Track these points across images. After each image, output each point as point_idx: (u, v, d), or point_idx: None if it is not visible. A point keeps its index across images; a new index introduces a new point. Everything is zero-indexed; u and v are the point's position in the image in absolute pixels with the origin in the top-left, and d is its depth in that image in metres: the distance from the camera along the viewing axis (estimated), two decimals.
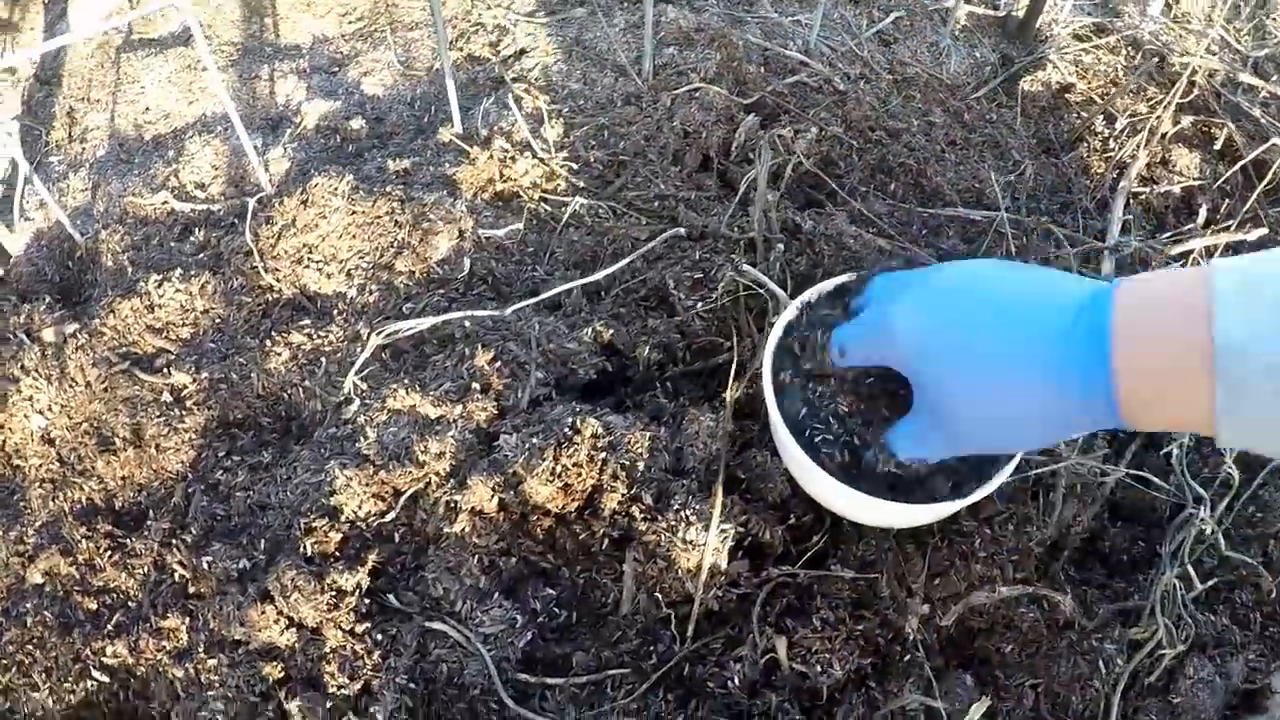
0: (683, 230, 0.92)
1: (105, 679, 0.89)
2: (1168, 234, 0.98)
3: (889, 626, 0.83)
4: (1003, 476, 0.73)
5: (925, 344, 0.57)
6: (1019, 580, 0.87)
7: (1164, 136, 1.03)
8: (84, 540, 0.93)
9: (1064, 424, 0.53)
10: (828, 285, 0.84)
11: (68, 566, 0.93)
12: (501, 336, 0.89)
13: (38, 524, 0.95)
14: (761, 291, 0.89)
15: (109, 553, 0.93)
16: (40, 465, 0.98)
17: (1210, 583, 0.90)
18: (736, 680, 0.77)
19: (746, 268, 0.88)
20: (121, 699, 0.90)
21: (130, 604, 0.91)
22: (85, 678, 0.89)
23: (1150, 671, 0.85)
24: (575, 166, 1.01)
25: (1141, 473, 0.91)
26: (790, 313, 0.81)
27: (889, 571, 0.85)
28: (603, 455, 0.81)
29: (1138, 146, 1.00)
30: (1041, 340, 0.51)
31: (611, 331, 0.89)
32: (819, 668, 0.77)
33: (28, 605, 0.93)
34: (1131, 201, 1.00)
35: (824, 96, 1.05)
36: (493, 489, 0.81)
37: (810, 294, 0.83)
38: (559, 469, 0.80)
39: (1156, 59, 1.10)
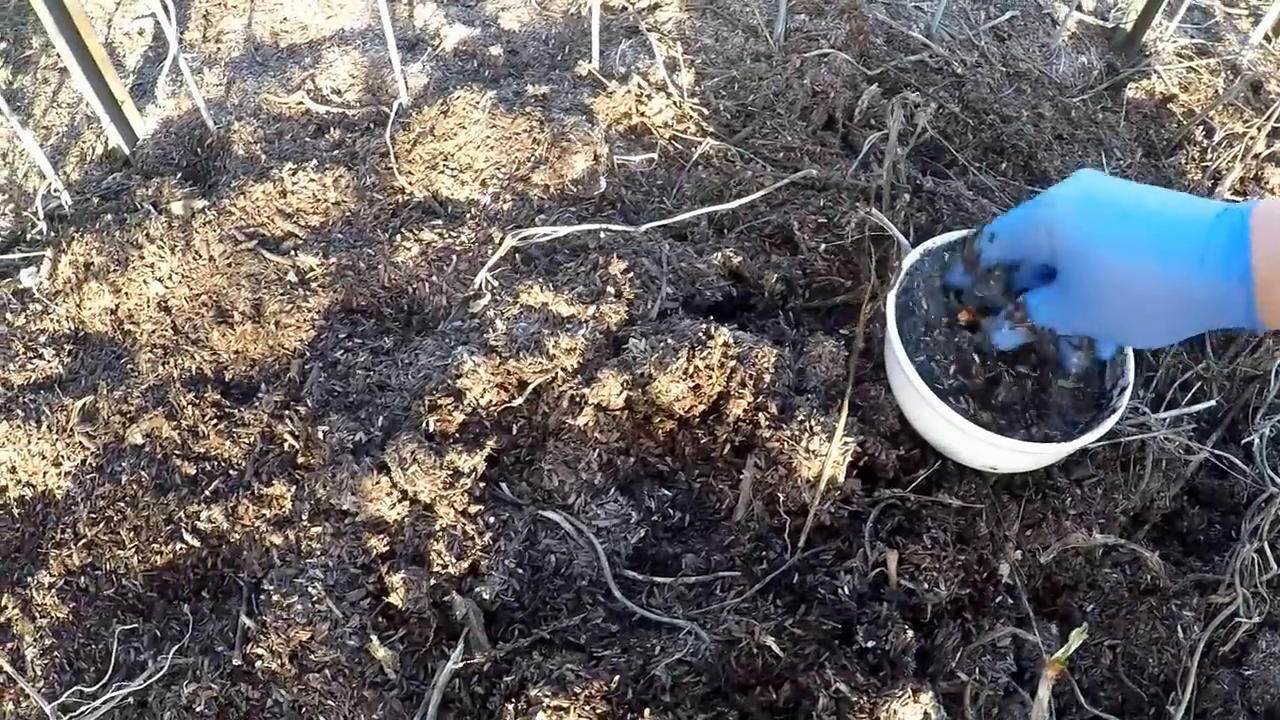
0: (814, 171, 0.93)
1: (196, 543, 0.88)
2: None
3: (985, 565, 0.83)
4: (1109, 423, 0.75)
5: (1078, 226, 0.62)
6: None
7: (1257, 156, 1.06)
8: (190, 407, 0.92)
9: (1195, 312, 0.58)
10: (951, 236, 0.87)
11: (170, 430, 0.92)
12: (633, 251, 0.90)
13: (144, 387, 0.94)
14: (885, 236, 0.90)
15: (215, 421, 0.92)
16: (153, 331, 0.97)
17: None
18: (846, 590, 0.76)
19: (875, 212, 0.89)
20: (209, 565, 0.89)
21: (231, 472, 0.90)
22: (175, 540, 0.88)
23: (1225, 642, 0.85)
24: (705, 112, 1.02)
25: (1225, 453, 0.92)
26: (914, 256, 0.83)
27: (987, 513, 0.85)
28: (732, 364, 0.81)
29: (1233, 159, 1.03)
30: (1186, 230, 0.57)
31: (739, 259, 0.90)
32: (925, 585, 0.77)
33: (124, 464, 0.91)
34: None
35: (942, 77, 1.08)
36: (621, 385, 0.81)
37: (933, 242, 0.86)
38: (691, 369, 0.80)
39: (1253, 86, 1.14)
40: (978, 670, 0.77)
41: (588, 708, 0.70)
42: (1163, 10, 1.19)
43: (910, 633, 0.75)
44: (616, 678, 0.72)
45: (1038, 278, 0.71)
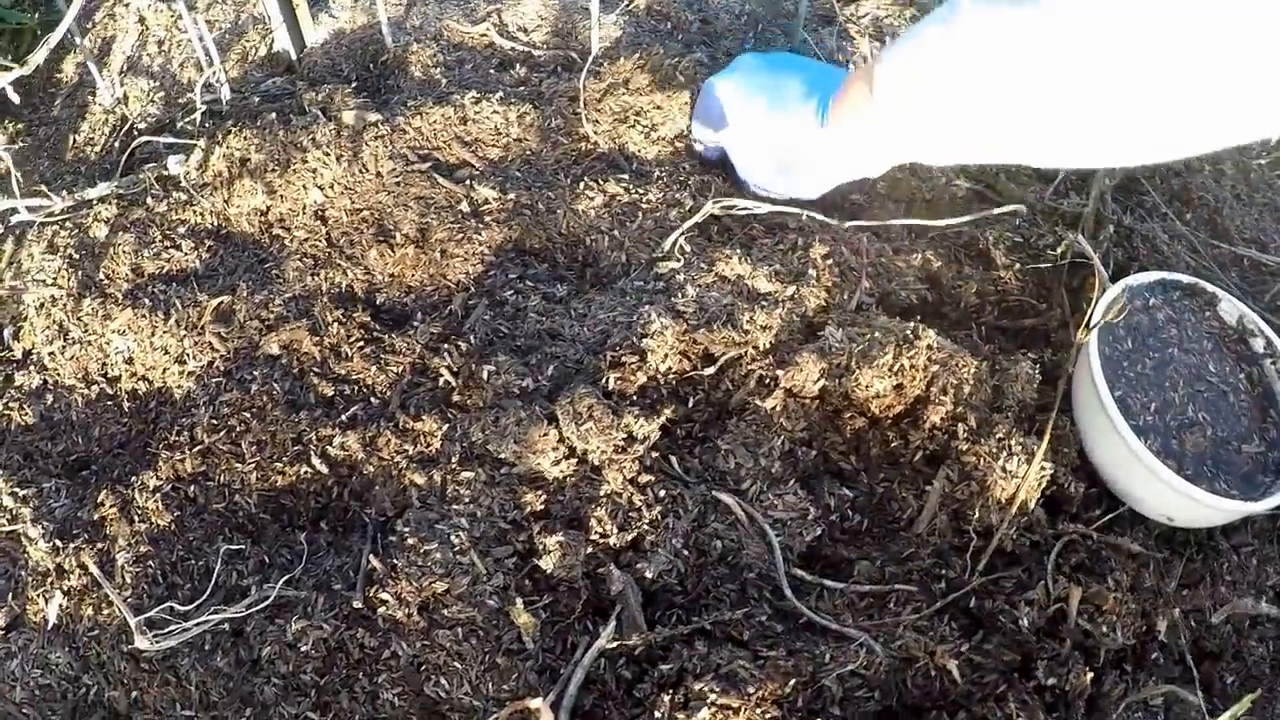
0: (1023, 207, 0.87)
1: (324, 469, 0.80)
2: None
3: (1146, 619, 0.76)
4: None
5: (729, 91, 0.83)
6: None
7: None
8: (335, 324, 0.84)
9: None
10: (1152, 275, 0.82)
11: (311, 345, 0.84)
12: (832, 238, 0.83)
13: (287, 296, 0.86)
14: (1082, 265, 0.84)
15: (361, 344, 0.84)
16: (306, 240, 0.89)
17: None
18: (1026, 621, 0.69)
19: (1082, 240, 0.83)
20: (334, 495, 0.80)
21: (373, 400, 0.82)
22: (301, 462, 0.80)
23: None
24: None
25: None
26: (1115, 291, 0.79)
27: (1155, 566, 0.78)
28: (934, 368, 0.74)
29: None
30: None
31: (938, 264, 0.83)
32: (1105, 628, 0.70)
33: (255, 373, 0.83)
34: None
35: None
36: (820, 372, 0.74)
37: (1135, 279, 0.81)
38: (896, 366, 0.73)
39: None
40: None
41: (758, 711, 0.63)
42: None
43: (1090, 675, 0.69)
44: (792, 682, 0.64)
45: None
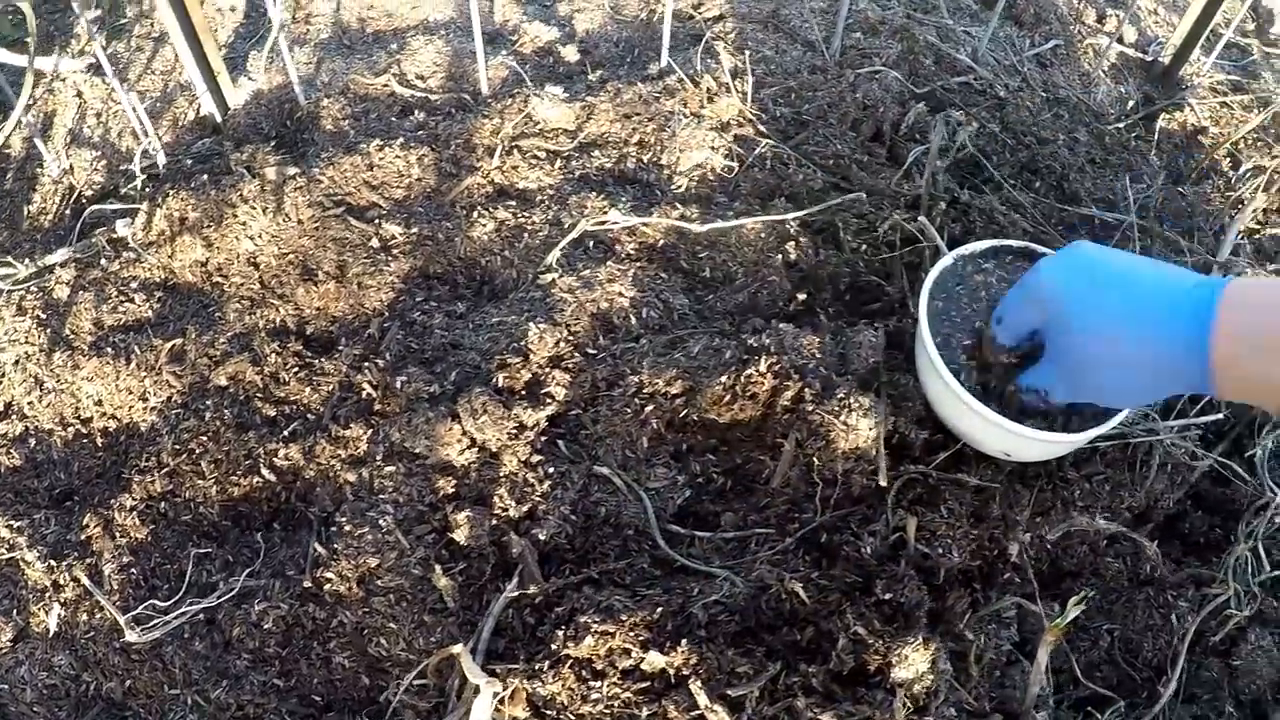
0: (864, 195, 1.12)
1: (272, 478, 1.05)
2: (1274, 267, 1.17)
3: (995, 543, 0.99)
4: (1119, 417, 0.91)
5: (1063, 295, 0.73)
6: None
7: None
8: (273, 355, 1.10)
9: (1163, 377, 0.68)
10: (984, 244, 1.04)
11: (253, 374, 1.09)
12: (700, 245, 1.08)
13: (230, 334, 1.12)
14: (920, 245, 1.08)
15: (296, 369, 1.09)
16: (242, 284, 1.15)
17: (1279, 573, 1.07)
18: (868, 549, 0.93)
19: (921, 219, 1.07)
20: (283, 499, 1.06)
21: (309, 416, 1.07)
22: (253, 474, 1.05)
23: (1216, 633, 1.00)
24: (764, 117, 1.21)
25: (1229, 461, 1.09)
26: (946, 260, 1.00)
27: (1001, 496, 1.02)
28: (779, 366, 0.97)
29: (1256, 189, 1.20)
30: (1158, 302, 0.67)
31: (796, 253, 1.08)
32: (940, 550, 0.93)
33: (208, 403, 1.08)
34: (1245, 239, 1.19)
35: (985, 99, 1.25)
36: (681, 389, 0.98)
37: (967, 248, 1.03)
38: (743, 378, 0.97)
39: None
40: (983, 636, 0.94)
41: (631, 634, 0.87)
42: (1200, 46, 1.38)
43: (924, 589, 0.91)
44: (659, 610, 0.88)
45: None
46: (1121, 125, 1.30)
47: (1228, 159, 1.28)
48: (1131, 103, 1.34)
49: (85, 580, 1.02)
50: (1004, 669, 0.94)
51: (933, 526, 0.93)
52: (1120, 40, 1.44)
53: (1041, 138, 1.25)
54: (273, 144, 1.22)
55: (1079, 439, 0.93)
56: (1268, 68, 1.43)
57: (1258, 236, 1.21)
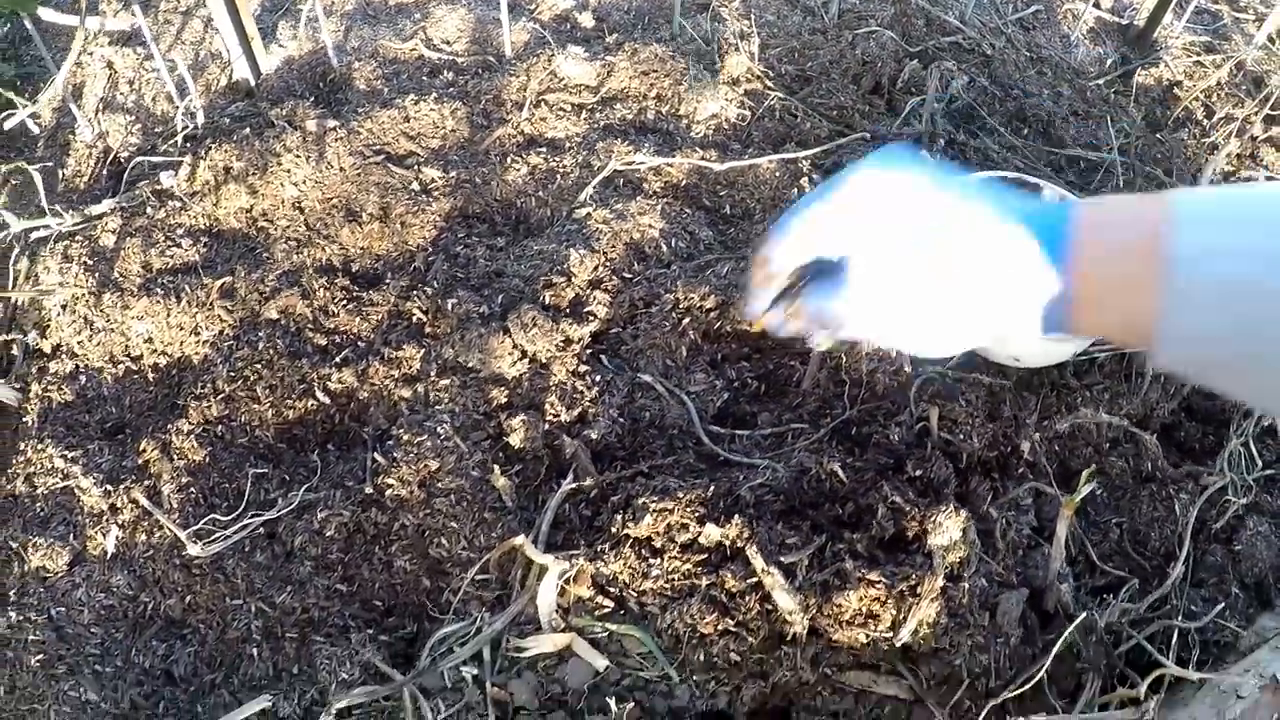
0: (867, 135, 1.25)
1: (326, 400, 1.13)
2: None
3: (1009, 440, 1.11)
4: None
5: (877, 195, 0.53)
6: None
7: (1254, 138, 1.39)
8: (321, 289, 1.18)
9: (1008, 294, 0.51)
10: (982, 175, 1.18)
11: (303, 307, 1.18)
12: (720, 184, 1.20)
13: (278, 272, 1.20)
14: None
15: (345, 302, 1.18)
16: (288, 227, 1.24)
17: (1270, 470, 1.19)
18: (896, 437, 1.03)
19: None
20: (337, 420, 1.13)
21: (360, 344, 1.16)
22: (307, 397, 1.13)
23: (1217, 520, 1.12)
24: (770, 74, 1.34)
25: None
26: None
27: (1011, 398, 1.13)
28: None
29: (1229, 135, 1.36)
30: (1011, 204, 0.52)
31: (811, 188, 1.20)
32: (961, 435, 1.04)
33: (260, 334, 1.16)
34: (1220, 179, 1.34)
35: (974, 56, 1.39)
36: (715, 302, 1.09)
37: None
38: None
39: (1255, 81, 1.48)
40: (1005, 519, 1.04)
41: (689, 509, 0.96)
42: (1173, 10, 1.54)
43: (950, 468, 1.02)
44: (712, 488, 0.98)
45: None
46: (1101, 81, 1.46)
47: (1202, 109, 1.43)
48: (1110, 60, 1.50)
49: (144, 501, 1.08)
50: (1026, 551, 1.04)
51: (953, 416, 1.04)
52: (1097, 4, 1.60)
53: (1028, 90, 1.39)
54: (310, 101, 1.32)
55: (1082, 343, 1.05)
56: (1238, 31, 1.60)
57: (1232, 179, 1.36)
